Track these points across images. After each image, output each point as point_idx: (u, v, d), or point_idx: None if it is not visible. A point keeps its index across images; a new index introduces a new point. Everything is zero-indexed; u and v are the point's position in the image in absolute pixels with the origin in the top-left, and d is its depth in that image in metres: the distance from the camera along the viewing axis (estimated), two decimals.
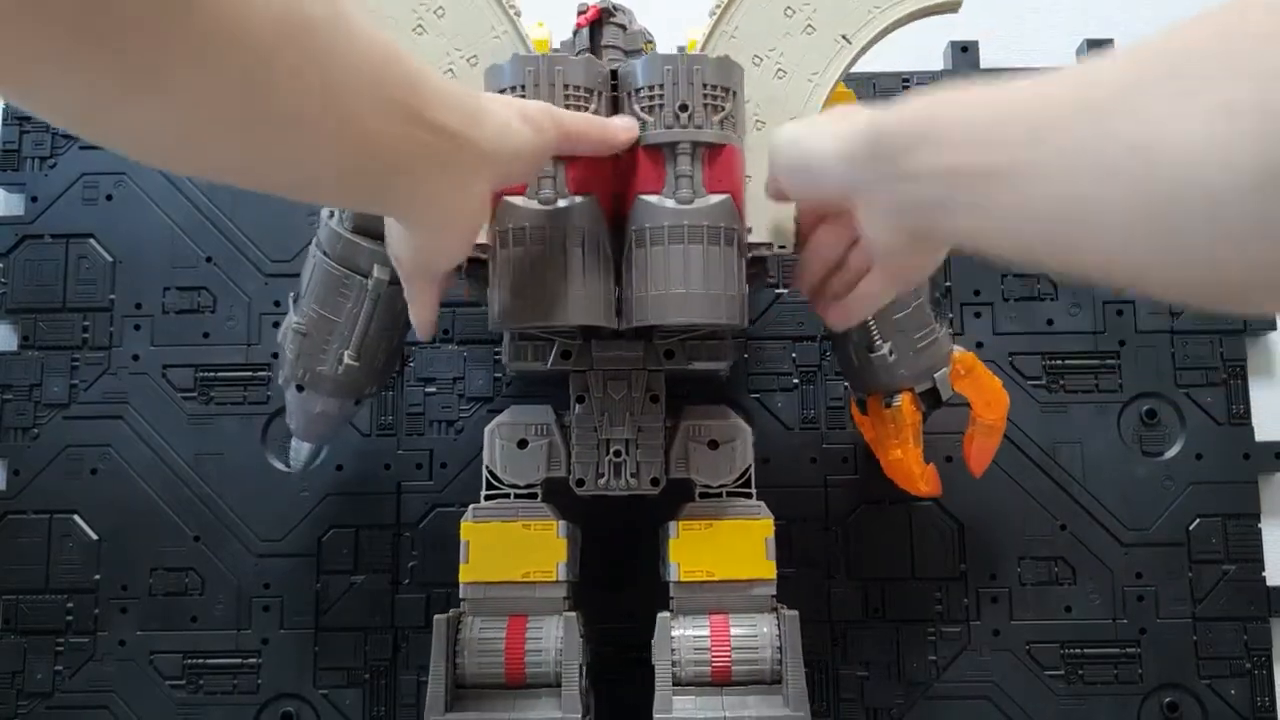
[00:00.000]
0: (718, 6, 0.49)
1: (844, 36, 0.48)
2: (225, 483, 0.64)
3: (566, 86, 0.45)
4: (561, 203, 0.45)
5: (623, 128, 0.45)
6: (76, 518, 0.63)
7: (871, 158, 0.36)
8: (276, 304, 0.65)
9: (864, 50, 0.49)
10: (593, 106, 0.46)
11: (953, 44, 0.69)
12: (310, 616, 0.62)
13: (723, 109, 0.45)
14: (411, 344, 0.64)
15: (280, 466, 0.63)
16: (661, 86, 0.45)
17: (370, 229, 0.50)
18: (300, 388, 0.53)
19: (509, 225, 0.45)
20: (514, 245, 0.44)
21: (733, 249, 0.45)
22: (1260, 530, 0.63)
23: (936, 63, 0.70)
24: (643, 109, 0.45)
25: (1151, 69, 0.25)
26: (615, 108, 0.47)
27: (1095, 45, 0.69)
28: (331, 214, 0.52)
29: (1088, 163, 0.26)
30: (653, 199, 0.45)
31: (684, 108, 0.45)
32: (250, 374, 0.65)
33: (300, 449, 0.58)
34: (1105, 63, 0.27)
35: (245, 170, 0.33)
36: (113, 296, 0.66)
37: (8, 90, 0.26)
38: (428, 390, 0.65)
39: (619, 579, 0.60)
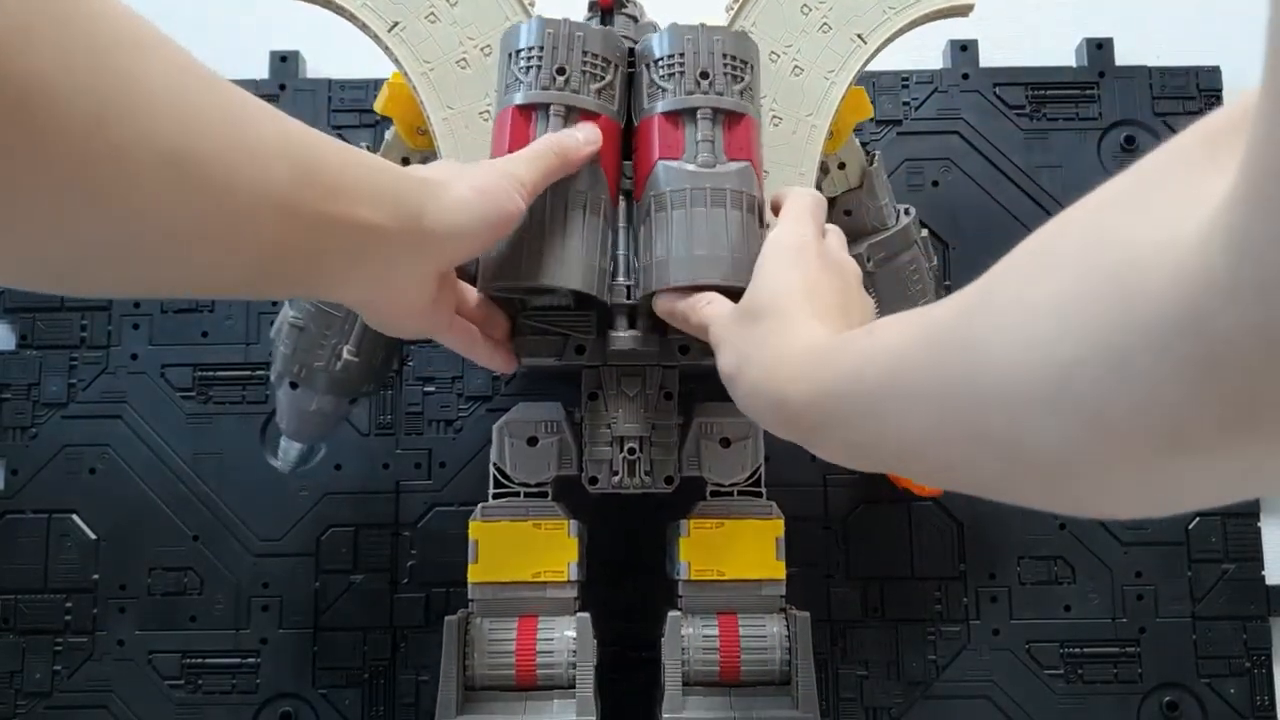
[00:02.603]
0: (734, 1, 0.49)
1: (859, 36, 0.49)
2: (224, 482, 0.64)
3: (586, 53, 0.45)
4: None
5: (585, 139, 0.44)
6: (75, 517, 0.63)
7: (777, 424, 0.38)
8: (274, 303, 0.65)
9: (878, 51, 0.49)
10: (610, 77, 0.46)
11: (952, 43, 0.69)
12: (309, 616, 0.62)
13: (742, 79, 0.46)
14: (410, 343, 0.64)
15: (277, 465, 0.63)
16: (682, 55, 0.45)
17: None
18: (294, 385, 0.52)
19: None
20: None
21: (753, 216, 0.45)
22: (1260, 529, 0.63)
23: (936, 61, 0.70)
24: (662, 77, 0.46)
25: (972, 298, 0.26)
26: (631, 84, 0.47)
27: (1095, 45, 0.69)
28: None
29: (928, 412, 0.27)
30: (674, 163, 0.45)
31: (705, 74, 0.45)
32: (249, 373, 0.65)
33: (290, 449, 0.57)
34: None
35: (134, 286, 0.32)
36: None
37: None
38: (426, 389, 0.65)
39: (618, 577, 0.60)
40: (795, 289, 0.39)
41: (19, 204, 0.24)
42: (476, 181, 0.40)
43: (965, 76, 0.69)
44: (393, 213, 0.36)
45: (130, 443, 0.64)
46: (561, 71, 0.45)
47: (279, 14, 0.70)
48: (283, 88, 0.67)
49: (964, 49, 0.69)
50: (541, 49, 0.44)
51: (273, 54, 0.68)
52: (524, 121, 0.45)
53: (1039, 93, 0.68)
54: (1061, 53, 0.70)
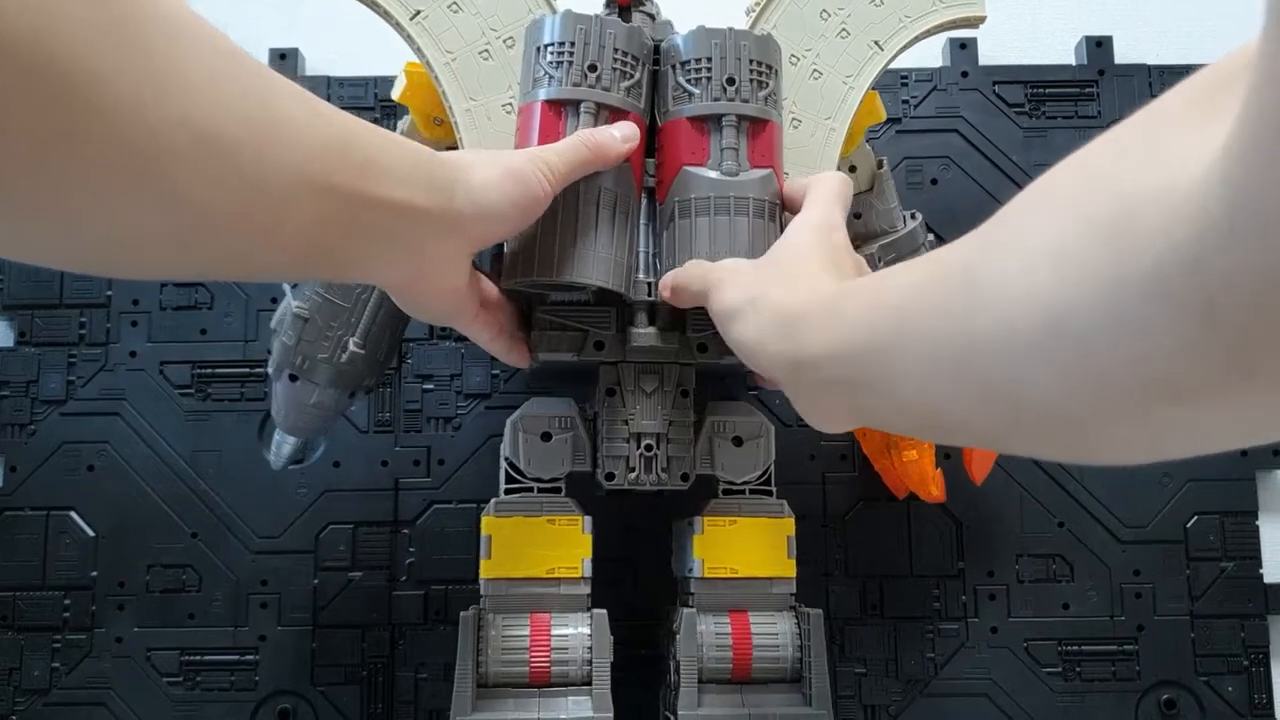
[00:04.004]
0: (756, 4, 0.50)
1: (876, 43, 0.49)
2: (222, 479, 0.63)
3: (616, 51, 0.45)
4: None
5: (623, 138, 0.44)
6: (73, 514, 0.63)
7: (782, 356, 0.37)
8: (274, 300, 0.65)
9: (893, 58, 0.50)
10: (638, 75, 0.46)
11: (951, 41, 0.69)
12: (308, 613, 0.62)
13: (766, 85, 0.46)
14: (409, 340, 0.64)
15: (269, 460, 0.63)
16: (709, 60, 0.46)
17: None
18: (293, 377, 0.51)
19: None
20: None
21: (775, 224, 0.46)
22: (1258, 527, 0.63)
23: (936, 59, 0.70)
24: (689, 80, 0.46)
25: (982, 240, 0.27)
26: (654, 82, 0.47)
27: (1094, 43, 0.69)
28: None
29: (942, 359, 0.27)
30: (697, 170, 0.45)
31: (731, 81, 0.45)
32: (248, 371, 0.65)
33: (284, 443, 0.56)
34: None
35: (181, 269, 0.32)
36: (110, 293, 0.65)
37: None
38: (425, 387, 0.65)
39: (618, 575, 0.60)
40: (816, 253, 0.40)
41: (60, 186, 0.24)
42: (505, 163, 0.40)
43: (965, 75, 0.69)
44: (425, 192, 0.36)
45: (129, 440, 0.64)
46: (593, 68, 0.45)
47: (278, 11, 0.70)
48: None
49: (963, 47, 0.69)
50: (572, 44, 0.45)
51: (272, 51, 0.68)
52: (554, 117, 0.45)
53: (1038, 91, 0.69)
54: (1061, 51, 0.70)
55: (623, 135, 0.44)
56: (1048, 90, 0.68)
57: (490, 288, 0.46)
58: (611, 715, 0.47)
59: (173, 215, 0.28)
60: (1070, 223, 0.22)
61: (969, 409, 0.27)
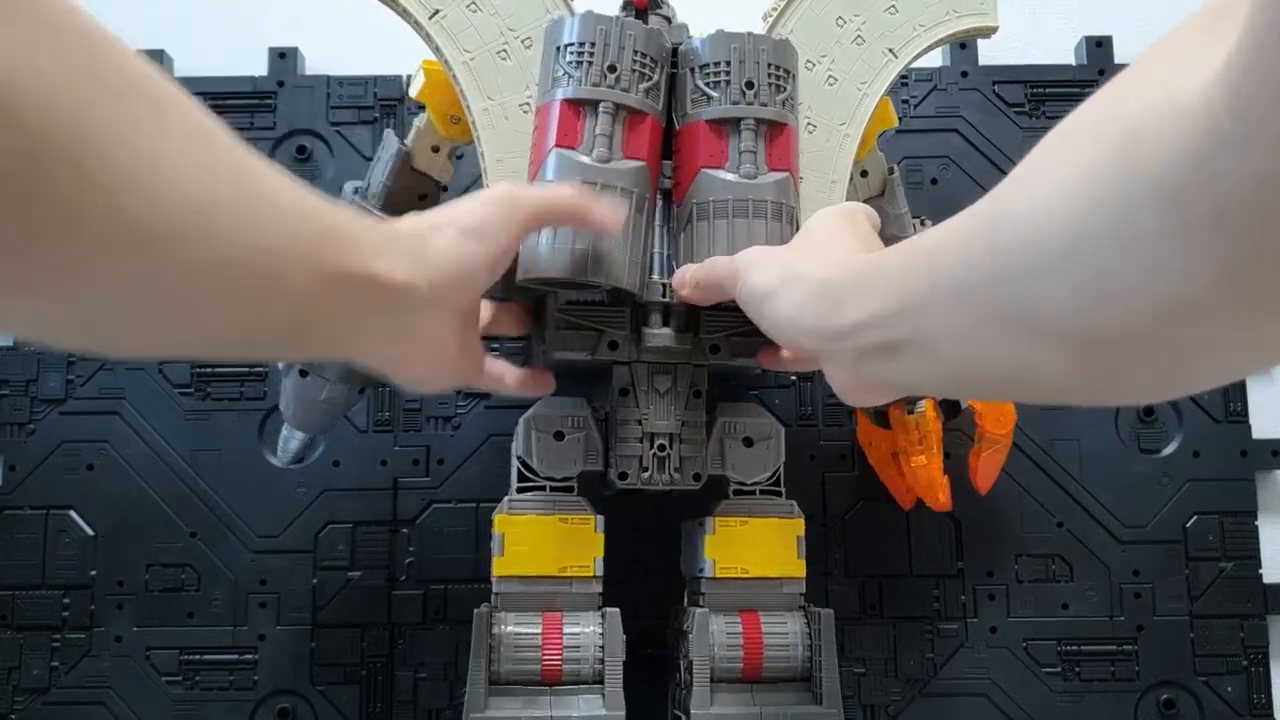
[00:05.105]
0: (772, 10, 0.50)
1: (890, 50, 0.50)
2: (222, 479, 0.63)
3: (635, 52, 0.45)
4: (615, 163, 0.45)
5: (611, 220, 0.42)
6: (73, 513, 0.63)
7: (822, 328, 0.36)
8: None
9: (907, 65, 0.50)
10: (656, 77, 0.46)
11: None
12: (307, 613, 0.62)
13: (784, 89, 0.47)
14: None
15: (276, 462, 0.63)
16: (728, 63, 0.46)
17: (398, 209, 0.50)
18: (303, 373, 0.52)
19: (558, 176, 0.44)
20: None
21: (791, 227, 0.46)
22: (1257, 527, 0.64)
23: (935, 59, 0.70)
24: (708, 84, 0.46)
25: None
26: (671, 84, 0.48)
27: (1094, 43, 0.69)
28: (355, 189, 0.52)
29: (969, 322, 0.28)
30: (716, 173, 0.46)
31: (750, 84, 0.46)
32: (247, 370, 0.65)
33: (290, 440, 0.57)
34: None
35: (174, 347, 0.32)
36: None
37: None
38: None
39: (625, 574, 0.60)
40: (847, 231, 0.40)
41: (48, 261, 0.24)
42: (463, 222, 0.39)
43: (965, 75, 0.69)
44: (403, 264, 0.36)
45: (128, 439, 0.64)
46: (613, 69, 0.45)
47: (278, 10, 0.70)
48: (281, 84, 0.67)
49: (963, 47, 0.69)
50: (592, 45, 0.45)
51: (271, 50, 0.68)
52: (573, 116, 0.45)
53: (1038, 91, 0.68)
54: (1061, 51, 0.70)
55: (614, 218, 0.42)
56: (1048, 90, 0.68)
57: (486, 309, 0.46)
58: (624, 714, 0.47)
59: (164, 289, 0.27)
60: (1086, 147, 0.23)
61: (999, 350, 0.28)
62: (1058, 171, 0.24)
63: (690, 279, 0.45)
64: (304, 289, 0.32)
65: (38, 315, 0.26)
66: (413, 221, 0.39)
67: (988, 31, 0.51)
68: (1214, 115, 0.19)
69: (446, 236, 0.38)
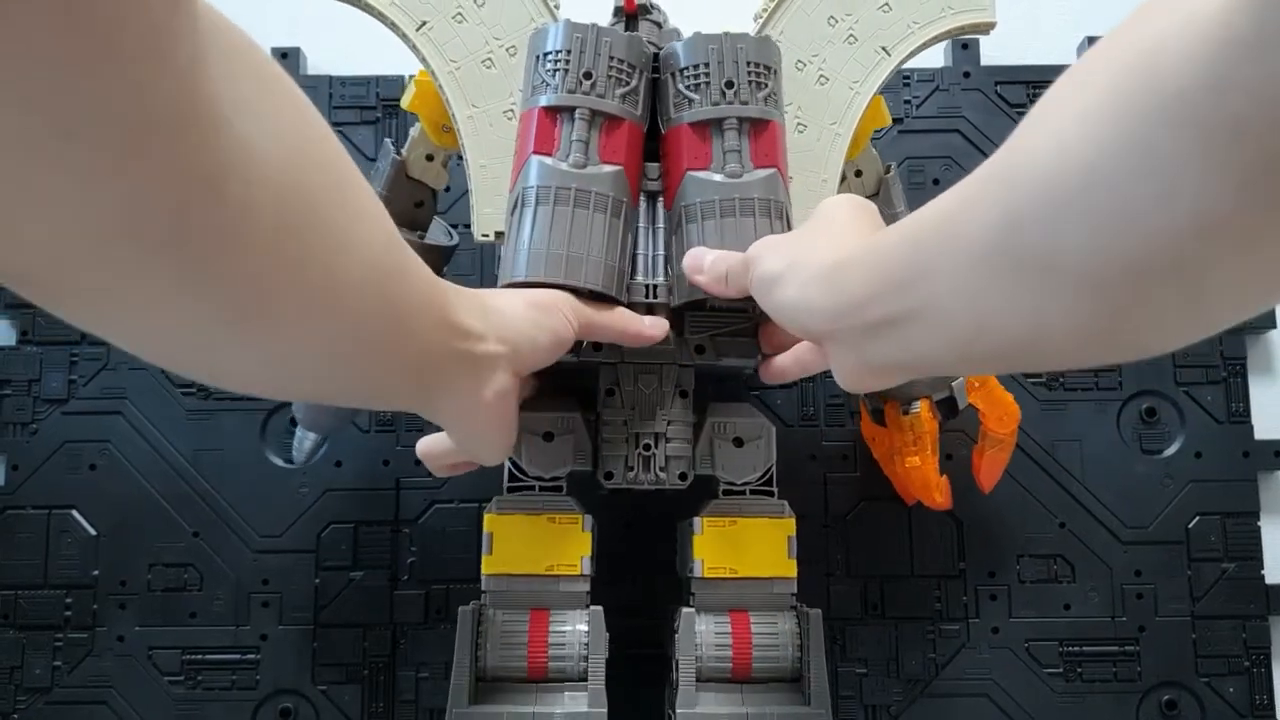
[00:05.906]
0: (763, 11, 0.50)
1: (884, 49, 0.50)
2: (224, 479, 0.64)
3: (612, 59, 0.46)
4: (591, 169, 0.45)
5: (650, 326, 0.46)
6: (75, 513, 0.63)
7: (828, 307, 0.36)
8: None
9: (901, 64, 0.50)
10: (634, 82, 0.47)
11: (953, 41, 0.69)
12: (309, 613, 0.62)
13: (765, 86, 0.47)
14: None
15: (279, 462, 0.63)
16: (707, 65, 0.47)
17: (406, 220, 0.52)
18: None
19: (535, 183, 0.45)
20: (538, 203, 0.45)
21: (782, 222, 0.46)
22: (1259, 528, 0.63)
23: (937, 60, 0.70)
24: (688, 87, 0.47)
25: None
26: (655, 89, 0.48)
27: (1095, 43, 0.69)
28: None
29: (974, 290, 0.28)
30: (701, 174, 0.46)
31: (730, 84, 0.46)
32: None
33: (304, 439, 0.58)
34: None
35: (317, 391, 0.37)
36: None
37: (113, 337, 0.27)
38: None
39: (619, 573, 0.60)
40: (854, 215, 0.40)
41: (288, 314, 0.28)
42: (531, 297, 0.43)
43: (966, 75, 0.69)
44: (482, 324, 0.39)
45: (130, 439, 0.64)
46: (588, 76, 0.46)
47: (279, 11, 0.70)
48: None
49: (965, 47, 0.69)
50: (569, 53, 0.46)
51: (273, 50, 0.68)
52: (550, 123, 0.46)
53: (1040, 91, 0.68)
54: (1063, 51, 0.70)
55: (654, 333, 0.46)
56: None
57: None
58: (606, 711, 0.47)
59: (344, 340, 0.31)
60: (1098, 78, 0.23)
61: (1012, 307, 0.27)
62: (1079, 105, 0.23)
63: (708, 266, 0.44)
64: (429, 344, 0.36)
65: (261, 366, 0.30)
66: (480, 291, 0.42)
67: (985, 27, 0.51)
68: (1232, 23, 0.19)
69: (516, 307, 0.41)
